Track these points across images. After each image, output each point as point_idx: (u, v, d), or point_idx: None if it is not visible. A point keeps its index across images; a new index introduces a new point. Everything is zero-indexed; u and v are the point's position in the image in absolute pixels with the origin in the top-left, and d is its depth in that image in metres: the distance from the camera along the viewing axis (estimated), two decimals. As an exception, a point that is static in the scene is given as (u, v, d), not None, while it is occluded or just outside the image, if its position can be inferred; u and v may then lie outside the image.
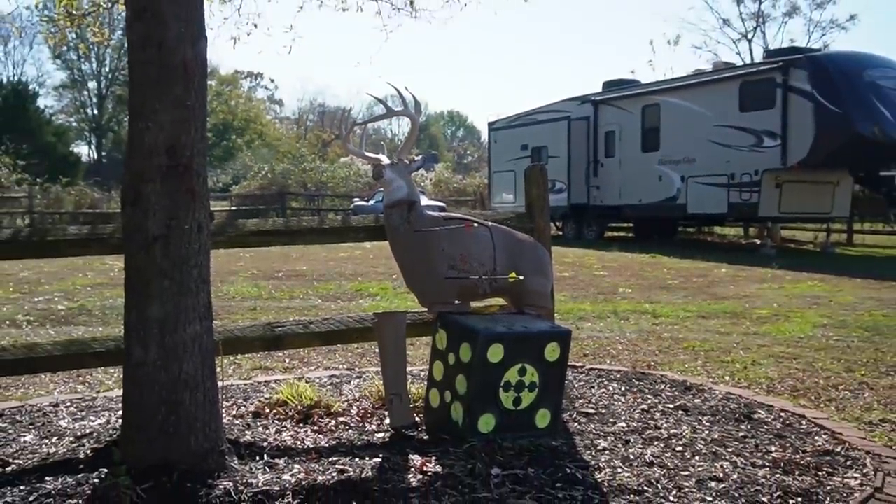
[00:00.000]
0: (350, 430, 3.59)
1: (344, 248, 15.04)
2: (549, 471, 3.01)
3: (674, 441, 3.49)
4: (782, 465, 3.19)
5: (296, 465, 3.04)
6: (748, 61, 32.41)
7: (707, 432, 3.63)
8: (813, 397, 4.51)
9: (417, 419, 3.69)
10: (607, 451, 3.31)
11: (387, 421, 3.66)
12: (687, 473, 3.08)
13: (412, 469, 3.04)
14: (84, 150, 57.36)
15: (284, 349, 5.02)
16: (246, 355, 5.26)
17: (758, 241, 17.66)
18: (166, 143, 2.85)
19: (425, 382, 3.84)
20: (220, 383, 3.13)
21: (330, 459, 3.13)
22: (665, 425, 3.73)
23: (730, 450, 3.38)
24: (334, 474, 2.97)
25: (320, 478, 2.92)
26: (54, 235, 3.45)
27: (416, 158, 3.95)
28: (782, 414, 3.99)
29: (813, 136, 13.84)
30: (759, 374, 5.08)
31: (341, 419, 3.74)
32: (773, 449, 3.41)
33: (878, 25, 71.61)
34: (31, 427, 3.68)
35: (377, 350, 4.18)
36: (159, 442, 2.87)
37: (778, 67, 14.56)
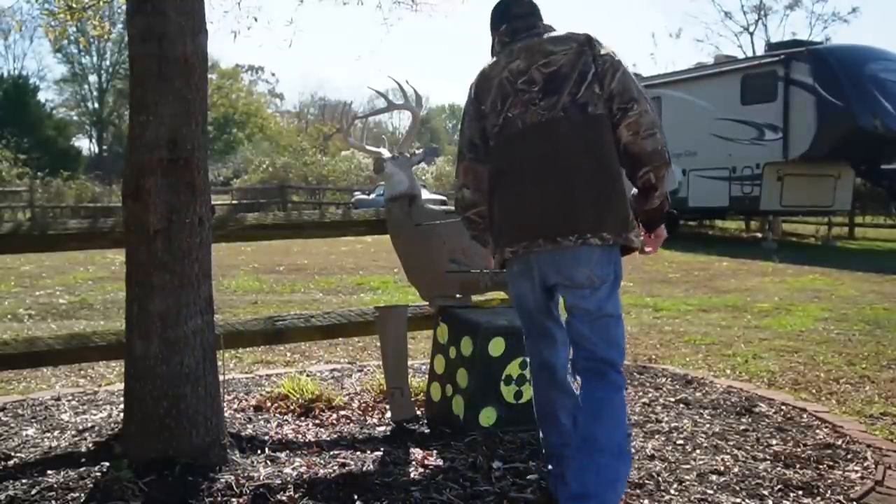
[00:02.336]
0: (351, 424, 3.60)
1: (345, 241, 15.04)
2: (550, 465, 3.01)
3: (675, 434, 3.49)
4: (783, 458, 3.19)
5: (297, 459, 3.05)
6: (750, 54, 32.32)
7: (708, 426, 3.64)
8: (814, 391, 4.52)
9: (419, 413, 3.70)
10: (608, 445, 3.31)
11: (388, 414, 3.67)
12: (688, 467, 3.08)
13: (413, 462, 3.05)
14: (85, 144, 57.37)
15: (286, 343, 5.03)
16: (247, 349, 5.26)
17: (759, 235, 17.64)
18: (167, 136, 2.85)
19: (426, 376, 3.84)
20: (221, 377, 3.14)
21: (331, 453, 3.14)
22: (666, 419, 3.74)
23: (731, 443, 3.38)
24: (336, 468, 2.97)
25: (322, 471, 2.93)
26: (55, 229, 3.45)
27: (418, 152, 3.95)
28: (783, 407, 3.99)
29: (814, 130, 13.80)
30: (760, 367, 5.08)
31: (343, 413, 3.74)
32: (774, 442, 3.41)
33: (879, 18, 71.47)
34: (32, 421, 3.68)
35: (378, 344, 4.18)
36: (161, 435, 2.88)
37: (779, 60, 14.51)
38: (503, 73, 2.55)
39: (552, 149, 2.42)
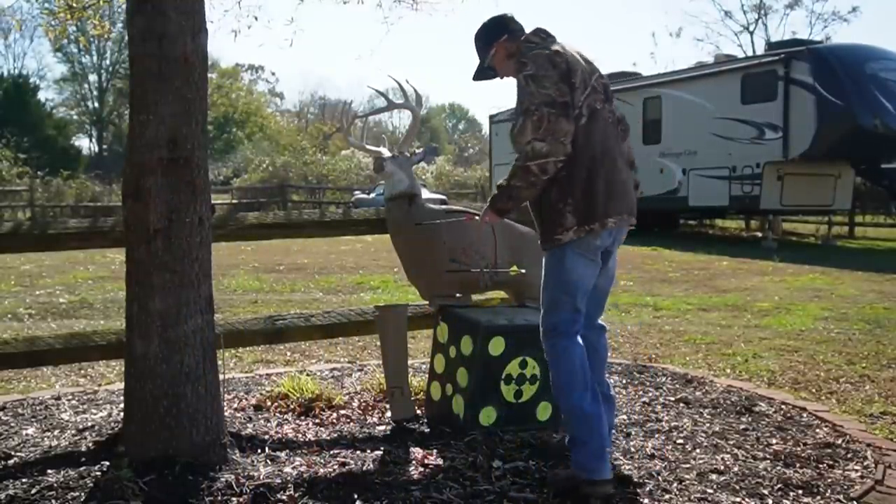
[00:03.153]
0: (351, 423, 3.60)
1: (345, 240, 15.03)
2: (551, 464, 3.01)
3: (675, 434, 3.49)
4: (783, 457, 3.19)
5: (297, 458, 3.05)
6: (750, 53, 32.28)
7: (708, 425, 3.64)
8: (814, 390, 4.52)
9: (419, 412, 3.70)
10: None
11: (388, 414, 3.67)
12: (688, 466, 3.08)
13: (413, 462, 3.05)
14: (85, 144, 57.34)
15: (286, 342, 5.04)
16: (247, 348, 5.26)
17: (759, 234, 17.64)
18: (167, 136, 2.85)
19: (427, 375, 3.84)
20: (221, 376, 3.14)
21: (331, 452, 3.14)
22: (666, 418, 3.74)
23: (731, 442, 3.38)
24: (336, 467, 2.97)
25: (322, 470, 2.93)
26: (55, 229, 3.45)
27: (418, 151, 3.95)
28: (783, 406, 4.00)
29: (814, 129, 13.79)
30: (760, 366, 5.09)
31: (343, 412, 3.74)
32: (773, 441, 3.41)
33: (879, 17, 71.43)
34: (33, 420, 3.68)
35: (378, 343, 4.18)
36: (161, 435, 2.88)
37: (779, 60, 14.50)
38: (582, 63, 2.84)
39: (621, 145, 2.91)
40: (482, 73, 3.12)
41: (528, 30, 2.99)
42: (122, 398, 3.29)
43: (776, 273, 10.58)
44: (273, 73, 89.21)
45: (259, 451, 3.13)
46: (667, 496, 2.79)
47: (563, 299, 2.80)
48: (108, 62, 53.79)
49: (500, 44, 2.99)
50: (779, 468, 3.08)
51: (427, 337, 5.10)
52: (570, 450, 2.79)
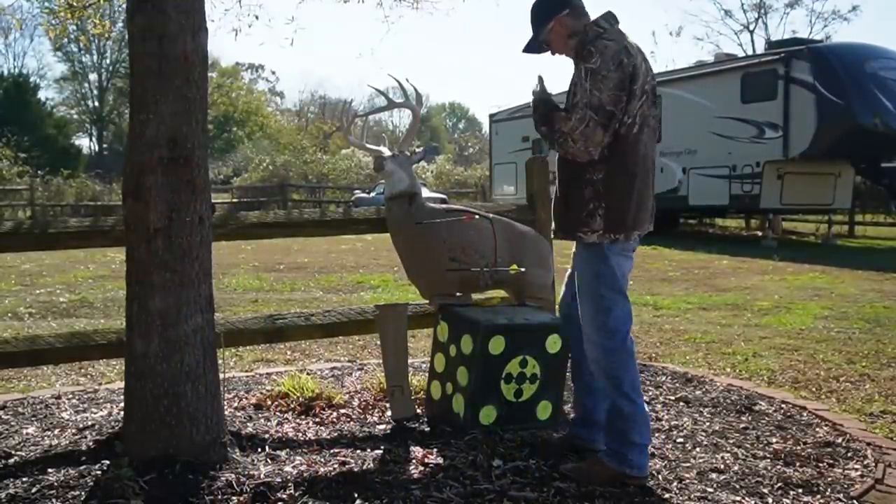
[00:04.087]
0: (352, 422, 3.60)
1: (345, 240, 15.03)
2: (551, 462, 3.02)
3: (675, 433, 3.49)
4: (783, 456, 3.19)
5: (297, 457, 3.05)
6: (750, 52, 32.28)
7: (708, 424, 3.64)
8: (814, 389, 4.52)
9: (419, 411, 3.70)
10: (608, 443, 3.31)
11: (388, 413, 3.67)
12: (688, 465, 3.08)
13: (414, 461, 3.05)
14: (85, 143, 57.33)
15: (286, 341, 5.03)
16: (247, 347, 5.27)
17: (759, 233, 17.64)
18: (167, 135, 2.85)
19: (427, 374, 3.84)
20: (221, 375, 3.14)
21: (331, 451, 3.14)
22: (666, 417, 3.74)
23: (731, 441, 3.38)
24: (336, 466, 2.98)
25: (322, 469, 2.93)
26: (56, 228, 3.45)
27: (418, 150, 3.95)
28: (783, 405, 4.00)
29: (814, 128, 13.80)
30: (760, 365, 5.09)
31: (343, 411, 3.74)
32: (774, 440, 3.41)
33: (879, 16, 71.42)
34: (33, 419, 3.68)
35: (378, 342, 4.18)
36: (161, 434, 2.88)
37: (780, 59, 14.51)
38: (644, 64, 2.76)
39: (655, 151, 2.89)
40: (534, 47, 2.97)
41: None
42: (122, 397, 3.29)
43: (776, 272, 10.58)
44: (273, 72, 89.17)
45: (259, 450, 3.13)
46: (667, 495, 2.79)
47: (616, 297, 2.85)
48: (108, 61, 53.81)
49: (559, 18, 2.84)
50: (779, 467, 3.08)
51: (427, 336, 5.10)
52: (619, 448, 2.83)
